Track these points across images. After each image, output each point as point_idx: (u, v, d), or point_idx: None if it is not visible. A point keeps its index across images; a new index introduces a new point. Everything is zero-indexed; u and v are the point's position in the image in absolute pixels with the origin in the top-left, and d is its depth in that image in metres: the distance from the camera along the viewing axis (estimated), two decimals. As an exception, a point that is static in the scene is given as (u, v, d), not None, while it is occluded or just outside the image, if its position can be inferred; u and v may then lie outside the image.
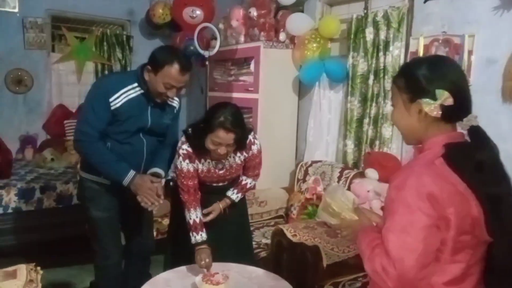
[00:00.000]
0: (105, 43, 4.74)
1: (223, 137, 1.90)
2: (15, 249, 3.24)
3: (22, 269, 1.76)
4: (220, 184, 2.18)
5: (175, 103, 2.23)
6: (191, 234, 2.06)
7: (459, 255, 1.07)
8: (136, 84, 2.03)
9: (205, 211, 2.11)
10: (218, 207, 2.15)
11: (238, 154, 2.11)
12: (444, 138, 1.11)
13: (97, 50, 4.73)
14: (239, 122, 1.95)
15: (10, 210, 3.25)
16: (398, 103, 1.17)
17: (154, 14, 4.34)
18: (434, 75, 1.09)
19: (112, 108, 1.98)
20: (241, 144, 2.03)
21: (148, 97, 2.05)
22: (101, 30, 4.78)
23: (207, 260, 2.01)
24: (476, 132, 1.09)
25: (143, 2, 4.68)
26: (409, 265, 1.02)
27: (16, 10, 4.26)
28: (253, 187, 2.31)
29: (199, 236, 2.05)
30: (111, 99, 1.97)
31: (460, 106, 1.09)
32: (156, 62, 1.96)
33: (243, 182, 2.22)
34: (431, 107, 1.08)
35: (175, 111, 2.23)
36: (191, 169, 2.05)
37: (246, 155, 2.13)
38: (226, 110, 1.92)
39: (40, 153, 4.18)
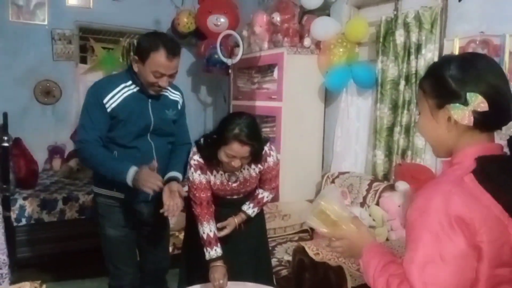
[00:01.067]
0: (131, 53, 4.75)
1: (238, 150, 1.77)
2: (37, 260, 3.24)
3: (26, 287, 1.70)
4: (235, 197, 2.04)
5: (177, 97, 2.11)
6: (205, 249, 1.94)
7: None
8: (130, 82, 1.93)
9: (219, 225, 1.99)
10: (233, 221, 2.02)
11: (253, 166, 1.97)
12: (477, 150, 0.93)
13: (124, 60, 4.75)
14: (255, 134, 1.81)
15: (32, 221, 3.24)
16: (425, 110, 1.00)
17: (179, 23, 4.32)
18: (465, 75, 0.93)
19: (109, 109, 1.88)
20: (257, 157, 1.90)
21: (144, 92, 1.94)
22: (128, 40, 4.80)
23: (221, 281, 1.88)
24: None
25: (169, 11, 4.67)
26: None
27: (45, 22, 4.34)
28: (270, 201, 2.15)
29: (214, 252, 1.93)
30: (105, 101, 1.87)
31: (497, 112, 0.92)
32: (141, 50, 1.85)
33: (260, 196, 2.07)
34: (462, 113, 0.92)
35: (179, 107, 2.11)
36: (204, 181, 1.93)
37: (262, 168, 1.99)
38: (241, 121, 1.78)
39: (67, 163, 4.21)
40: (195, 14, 4.23)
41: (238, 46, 3.56)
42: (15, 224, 3.15)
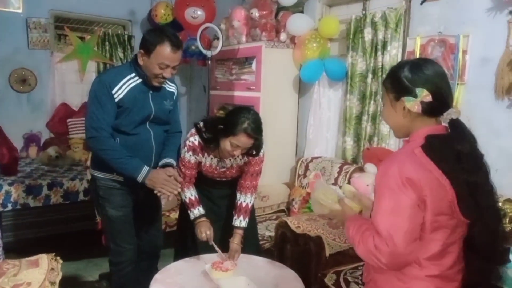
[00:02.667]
0: (107, 43, 4.82)
1: (244, 141, 1.96)
2: (24, 244, 3.31)
3: (44, 259, 1.85)
4: (223, 179, 2.26)
5: (173, 88, 2.30)
6: (189, 211, 2.18)
7: (437, 234, 1.20)
8: (134, 74, 2.10)
9: (228, 256, 2.11)
10: (235, 245, 2.15)
11: (243, 155, 2.15)
12: (427, 130, 1.24)
13: (99, 49, 4.81)
14: (260, 130, 2.02)
15: (18, 206, 3.32)
16: (387, 102, 1.31)
17: (156, 15, 4.42)
18: (414, 76, 1.23)
19: (117, 100, 2.04)
20: (257, 150, 2.10)
21: (147, 85, 2.12)
22: (103, 30, 4.86)
23: (207, 232, 2.12)
24: (456, 124, 1.22)
25: (144, 2, 4.77)
26: (399, 241, 1.15)
27: (20, 10, 4.34)
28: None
29: (197, 211, 2.17)
30: (114, 91, 2.03)
31: (439, 102, 1.22)
32: (147, 44, 2.02)
33: (244, 205, 2.22)
34: (413, 104, 1.22)
35: (174, 97, 2.30)
36: (192, 161, 2.15)
37: (247, 159, 2.18)
38: (250, 116, 1.96)
39: (44, 151, 4.26)
40: (172, 6, 4.35)
41: (217, 38, 3.74)
42: (1, 209, 3.22)
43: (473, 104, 2.43)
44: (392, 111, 1.28)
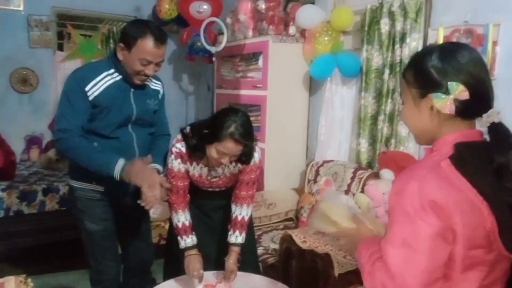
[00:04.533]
0: (111, 40, 4.66)
1: (231, 148, 1.72)
2: (17, 253, 3.17)
3: (10, 282, 1.64)
4: (217, 189, 2.02)
5: (159, 86, 2.07)
6: (179, 238, 1.93)
7: (471, 273, 0.93)
8: (112, 70, 1.87)
9: (223, 277, 1.91)
10: (232, 265, 1.91)
11: (236, 162, 1.92)
12: (456, 136, 0.96)
13: (103, 47, 4.65)
14: (250, 134, 1.77)
15: (11, 213, 3.17)
16: (408, 99, 1.03)
17: (160, 10, 4.22)
18: (446, 65, 0.95)
19: (91, 98, 1.81)
20: (247, 157, 1.86)
21: (127, 81, 1.89)
22: (107, 27, 4.69)
23: (201, 271, 1.88)
24: (497, 130, 0.93)
25: (150, -3, 4.58)
26: (411, 282, 0.89)
27: (21, 8, 4.20)
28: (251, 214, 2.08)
29: (189, 240, 1.92)
30: (87, 88, 1.80)
31: (478, 101, 0.94)
32: (128, 37, 1.80)
33: (240, 218, 1.96)
34: (444, 102, 0.94)
35: (159, 96, 2.07)
36: (183, 170, 1.90)
37: (242, 165, 1.93)
38: (237, 119, 1.71)
39: (45, 153, 4.12)
40: (177, 0, 4.15)
41: (222, 33, 3.51)
42: (-7, 216, 3.07)
43: (504, 102, 2.12)
44: (415, 111, 1.01)
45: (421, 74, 0.98)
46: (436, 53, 0.97)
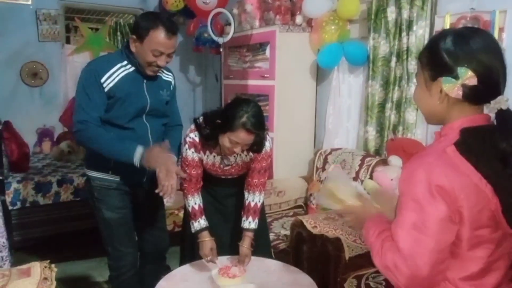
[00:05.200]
0: (118, 33, 4.71)
1: (244, 138, 1.78)
2: (33, 243, 3.25)
3: (36, 267, 1.72)
4: (229, 177, 2.08)
5: (170, 77, 2.12)
6: (190, 223, 2.00)
7: (478, 251, 0.99)
8: (126, 62, 1.92)
9: (237, 261, 1.96)
10: (246, 249, 1.97)
11: (248, 151, 1.97)
12: (462, 122, 1.00)
13: (111, 40, 4.70)
14: (262, 124, 1.83)
15: (28, 204, 3.24)
16: (421, 81, 1.06)
17: (167, 2, 4.24)
18: (458, 50, 0.97)
19: (106, 89, 1.86)
20: (259, 146, 1.91)
21: (140, 73, 1.94)
22: (114, 20, 4.73)
23: (210, 257, 1.95)
24: (505, 116, 0.96)
25: (156, -11, 4.60)
26: (422, 263, 0.95)
27: (29, 2, 4.24)
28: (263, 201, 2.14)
29: (197, 223, 1.99)
30: (102, 80, 1.85)
31: (486, 87, 0.97)
32: (140, 29, 1.84)
33: (252, 205, 2.03)
34: (452, 87, 0.97)
35: (171, 87, 2.11)
36: (196, 158, 1.96)
37: (254, 154, 1.99)
38: (249, 109, 1.76)
39: (57, 145, 4.18)
40: (183, -8, 4.17)
41: (229, 24, 3.54)
42: (10, 207, 3.14)
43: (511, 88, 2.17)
44: (426, 93, 1.04)
45: (434, 57, 1.00)
46: (451, 37, 0.99)
